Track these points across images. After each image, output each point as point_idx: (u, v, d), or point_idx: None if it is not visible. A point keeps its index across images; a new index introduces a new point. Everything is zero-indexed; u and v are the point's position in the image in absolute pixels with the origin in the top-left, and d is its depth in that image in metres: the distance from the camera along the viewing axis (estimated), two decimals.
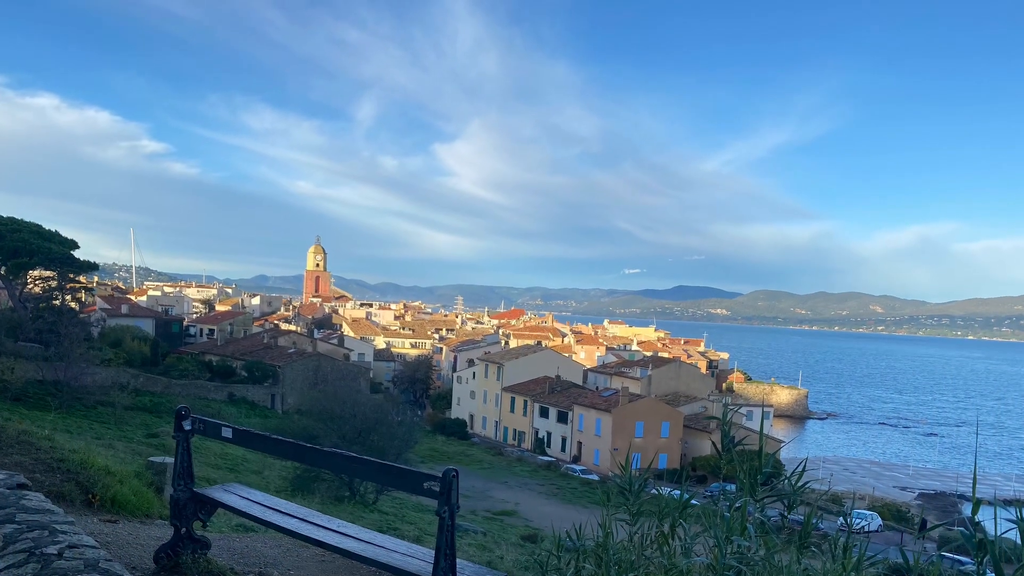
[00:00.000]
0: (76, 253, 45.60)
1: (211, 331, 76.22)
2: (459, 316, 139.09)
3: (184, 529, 4.56)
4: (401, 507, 22.69)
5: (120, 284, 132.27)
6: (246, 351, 59.30)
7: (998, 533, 2.66)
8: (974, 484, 2.72)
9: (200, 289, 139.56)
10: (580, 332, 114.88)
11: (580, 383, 65.36)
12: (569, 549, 3.93)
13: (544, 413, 58.98)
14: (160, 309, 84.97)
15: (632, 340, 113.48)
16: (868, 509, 41.63)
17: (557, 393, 59.20)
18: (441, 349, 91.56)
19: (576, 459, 54.59)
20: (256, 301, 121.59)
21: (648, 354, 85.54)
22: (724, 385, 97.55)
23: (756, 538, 3.27)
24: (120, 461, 11.06)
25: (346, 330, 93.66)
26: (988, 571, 2.63)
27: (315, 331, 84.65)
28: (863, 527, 36.02)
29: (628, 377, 64.27)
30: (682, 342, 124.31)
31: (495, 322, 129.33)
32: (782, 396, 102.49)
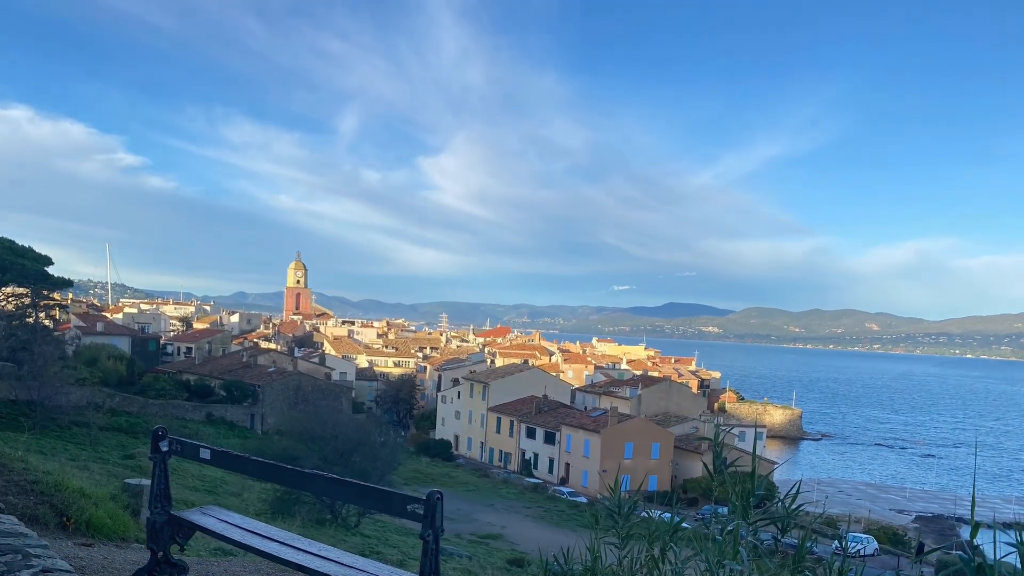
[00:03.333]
0: (50, 269, 45.18)
1: (189, 349, 75.41)
2: (443, 334, 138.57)
3: (161, 553, 4.46)
4: (384, 530, 22.43)
5: (95, 301, 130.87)
6: (225, 370, 58.65)
7: (997, 557, 2.64)
8: (972, 507, 2.70)
9: (177, 306, 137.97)
10: (568, 350, 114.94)
11: (568, 403, 65.14)
12: (556, 573, 3.88)
13: (531, 434, 58.67)
14: (136, 327, 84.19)
15: (621, 359, 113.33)
16: (864, 532, 41.27)
17: (544, 413, 58.94)
18: (425, 368, 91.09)
19: (564, 481, 54.24)
20: (235, 319, 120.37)
21: (638, 373, 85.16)
22: (716, 405, 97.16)
23: (749, 562, 3.22)
24: (95, 483, 10.84)
25: (327, 348, 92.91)
26: None
27: (295, 349, 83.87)
28: (859, 551, 35.77)
29: (617, 397, 64.10)
30: (673, 361, 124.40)
31: (480, 340, 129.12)
32: (775, 416, 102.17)
